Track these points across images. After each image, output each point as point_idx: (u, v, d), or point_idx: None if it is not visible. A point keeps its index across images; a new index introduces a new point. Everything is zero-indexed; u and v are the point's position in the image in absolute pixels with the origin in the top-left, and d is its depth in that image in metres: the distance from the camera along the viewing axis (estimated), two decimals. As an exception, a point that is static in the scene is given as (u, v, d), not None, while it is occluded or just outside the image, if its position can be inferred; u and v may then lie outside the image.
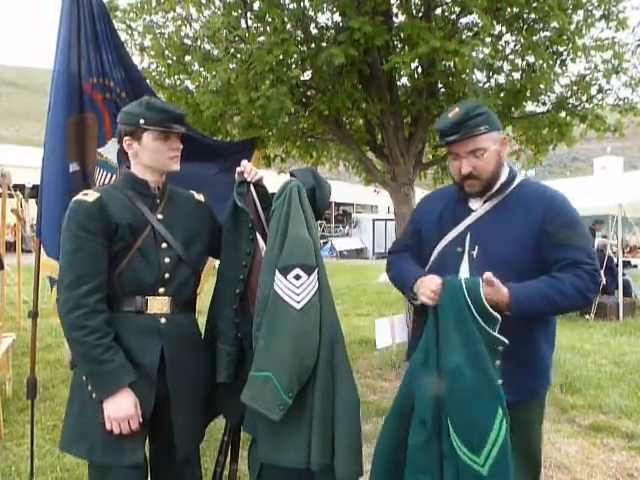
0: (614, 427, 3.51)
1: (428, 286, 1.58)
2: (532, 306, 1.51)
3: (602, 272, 6.28)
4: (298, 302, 1.55)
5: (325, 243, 24.15)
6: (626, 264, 8.98)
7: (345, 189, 26.36)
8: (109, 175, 2.61)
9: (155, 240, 1.68)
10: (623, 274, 8.31)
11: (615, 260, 8.41)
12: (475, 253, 1.64)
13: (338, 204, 31.24)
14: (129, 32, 4.22)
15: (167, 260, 1.69)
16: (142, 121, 1.66)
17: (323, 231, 27.52)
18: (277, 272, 1.58)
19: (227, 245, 1.86)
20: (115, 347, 1.56)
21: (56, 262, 2.27)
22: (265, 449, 1.61)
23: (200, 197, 1.92)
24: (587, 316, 7.94)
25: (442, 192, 1.96)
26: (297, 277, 1.56)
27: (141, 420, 1.59)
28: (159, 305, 1.69)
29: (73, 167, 2.51)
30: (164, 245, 1.70)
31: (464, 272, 1.65)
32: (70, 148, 2.50)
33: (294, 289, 1.56)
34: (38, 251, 2.50)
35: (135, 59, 3.97)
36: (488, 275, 1.46)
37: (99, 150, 2.63)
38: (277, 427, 1.53)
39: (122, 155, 1.76)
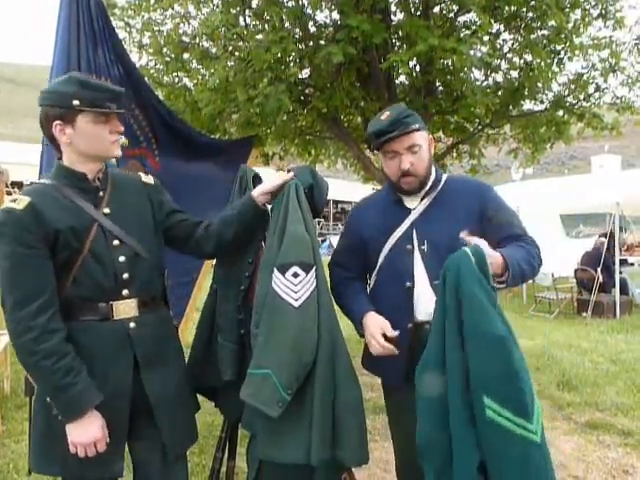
0: (610, 424, 3.53)
1: (374, 333, 1.65)
2: (520, 269, 1.55)
3: (599, 270, 6.31)
4: (296, 300, 1.55)
5: (323, 241, 24.15)
6: (623, 262, 9.00)
7: (343, 187, 26.36)
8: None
9: (105, 239, 1.49)
10: (620, 272, 8.34)
11: (612, 258, 8.43)
12: (425, 248, 1.71)
13: (336, 202, 31.27)
14: (127, 30, 4.22)
15: (122, 259, 1.51)
16: (76, 102, 1.42)
17: (321, 229, 27.53)
18: (275, 270, 1.58)
19: None
20: (76, 367, 1.39)
21: None
22: (264, 446, 1.62)
23: (149, 179, 1.71)
24: (584, 314, 7.97)
25: (373, 199, 1.98)
26: (295, 275, 1.56)
27: (108, 440, 1.46)
28: (126, 309, 1.52)
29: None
30: (116, 242, 1.51)
31: (419, 268, 1.72)
32: None
33: (292, 287, 1.56)
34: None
35: (133, 57, 3.98)
36: (465, 234, 1.49)
37: None
38: (276, 424, 1.54)
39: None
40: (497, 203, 1.77)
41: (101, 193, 1.54)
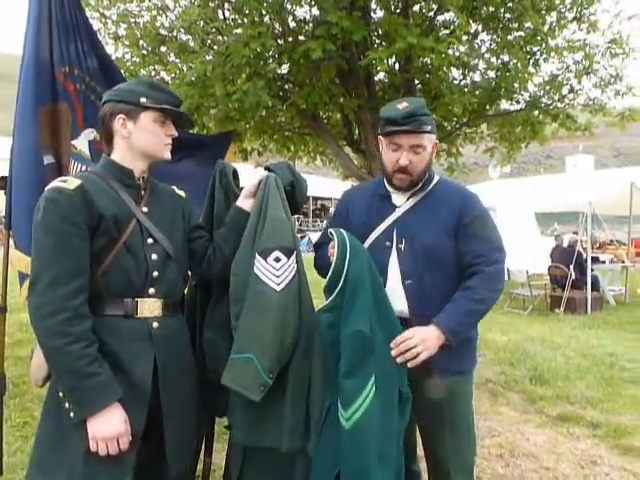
0: (580, 417, 3.64)
1: (332, 253, 1.68)
2: (462, 325, 1.65)
3: (572, 267, 6.48)
4: (278, 284, 1.56)
5: (303, 237, 24.13)
6: (595, 260, 9.24)
7: (323, 183, 26.36)
8: (84, 168, 2.52)
9: (141, 235, 1.53)
10: (592, 269, 8.56)
11: (584, 256, 8.65)
12: (403, 246, 1.74)
13: (316, 198, 31.29)
14: (102, 21, 4.13)
15: (155, 257, 1.54)
16: (144, 99, 1.53)
17: (300, 225, 27.50)
18: (257, 255, 1.59)
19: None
20: (101, 358, 1.37)
21: (26, 257, 2.21)
22: (243, 431, 1.63)
23: (181, 193, 1.80)
24: (557, 310, 8.17)
25: (363, 189, 2.04)
26: (277, 259, 1.57)
27: (131, 439, 1.41)
28: (150, 308, 1.52)
29: (48, 159, 2.42)
30: (150, 241, 1.54)
31: (393, 265, 1.75)
32: (44, 139, 2.42)
33: (274, 271, 1.56)
34: (7, 244, 2.43)
35: (109, 48, 3.90)
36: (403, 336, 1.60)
37: (73, 142, 2.56)
38: (256, 408, 1.54)
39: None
40: (477, 212, 1.77)
41: (143, 192, 1.60)
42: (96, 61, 2.64)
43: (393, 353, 1.59)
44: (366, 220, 1.81)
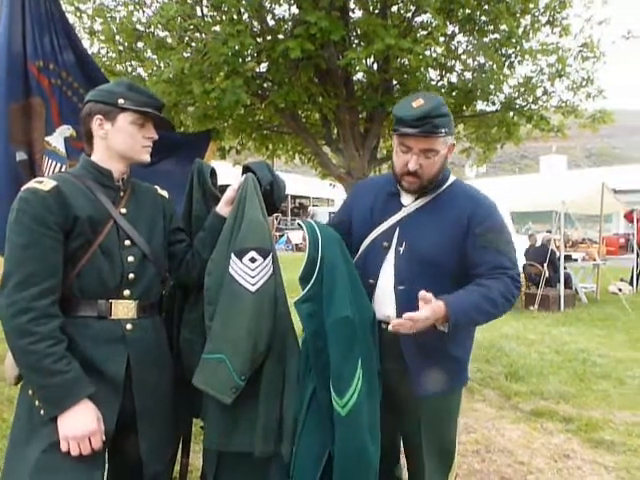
0: (554, 412, 3.72)
1: None
2: (467, 317, 1.49)
3: (546, 265, 6.58)
4: (253, 285, 1.55)
5: (281, 236, 24.09)
6: (567, 258, 9.47)
7: (302, 182, 26.36)
8: (58, 165, 2.46)
9: (118, 236, 1.52)
10: (565, 267, 8.77)
11: (558, 254, 8.85)
12: (402, 249, 1.63)
13: (294, 197, 31.26)
14: (78, 15, 4.05)
15: (131, 259, 1.53)
16: (122, 100, 1.52)
17: (279, 224, 27.44)
18: (233, 255, 1.58)
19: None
20: (69, 357, 1.36)
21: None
22: (213, 435, 1.60)
23: (164, 193, 1.78)
24: (532, 307, 8.34)
25: (376, 181, 1.95)
26: (252, 260, 1.56)
27: (104, 438, 1.40)
28: (124, 309, 1.51)
29: (20, 156, 2.36)
30: (127, 242, 1.53)
31: (388, 268, 1.65)
32: (16, 135, 2.37)
33: (249, 272, 1.55)
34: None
35: (84, 43, 3.81)
36: (423, 294, 1.41)
37: (47, 139, 2.50)
38: (227, 411, 1.53)
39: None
40: (492, 223, 1.62)
41: (121, 193, 1.59)
42: (72, 56, 2.58)
43: (393, 327, 1.43)
44: (370, 215, 1.72)
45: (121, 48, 3.92)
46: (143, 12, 3.95)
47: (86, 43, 3.97)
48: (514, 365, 4.85)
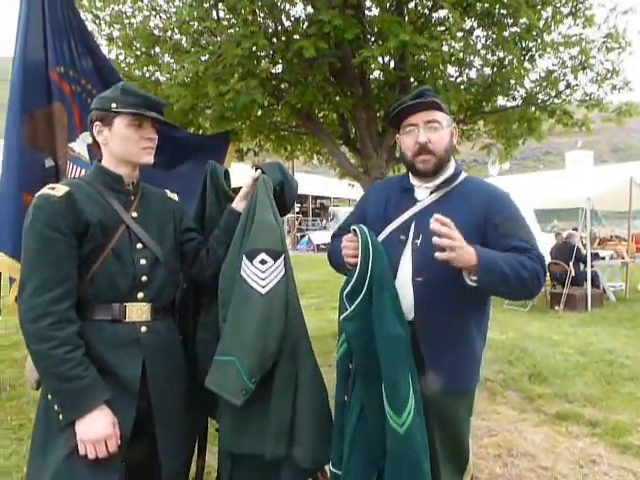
0: (579, 415, 3.61)
1: (345, 246, 1.61)
2: (497, 266, 1.44)
3: (572, 263, 6.37)
4: (263, 287, 1.54)
5: (302, 237, 24.13)
6: (594, 256, 9.22)
7: (322, 182, 26.36)
8: (83, 171, 2.47)
9: (130, 240, 1.54)
10: (592, 266, 8.54)
11: (584, 252, 8.63)
12: (418, 242, 1.63)
13: (315, 197, 31.27)
14: (96, 22, 4.13)
15: (143, 262, 1.55)
16: (114, 104, 1.52)
17: (300, 224, 27.50)
18: (244, 257, 1.57)
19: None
20: (87, 362, 1.38)
21: (12, 261, 2.20)
22: (224, 436, 1.61)
23: (173, 196, 1.80)
24: (557, 307, 8.15)
25: (389, 182, 1.97)
26: (263, 262, 1.56)
27: (119, 442, 1.42)
28: (138, 312, 1.53)
29: (48, 162, 2.41)
30: (139, 245, 1.55)
31: (406, 261, 1.64)
32: (42, 143, 2.40)
33: (259, 274, 1.55)
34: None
35: (102, 50, 3.88)
36: (437, 217, 1.40)
37: (70, 145, 2.53)
38: (238, 413, 1.52)
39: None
40: (509, 212, 1.65)
41: (132, 197, 1.61)
42: (91, 62, 2.63)
43: (434, 226, 1.40)
44: (384, 212, 1.73)
45: (138, 53, 3.99)
46: (160, 17, 4.00)
47: (105, 50, 4.04)
48: (537, 366, 4.73)
